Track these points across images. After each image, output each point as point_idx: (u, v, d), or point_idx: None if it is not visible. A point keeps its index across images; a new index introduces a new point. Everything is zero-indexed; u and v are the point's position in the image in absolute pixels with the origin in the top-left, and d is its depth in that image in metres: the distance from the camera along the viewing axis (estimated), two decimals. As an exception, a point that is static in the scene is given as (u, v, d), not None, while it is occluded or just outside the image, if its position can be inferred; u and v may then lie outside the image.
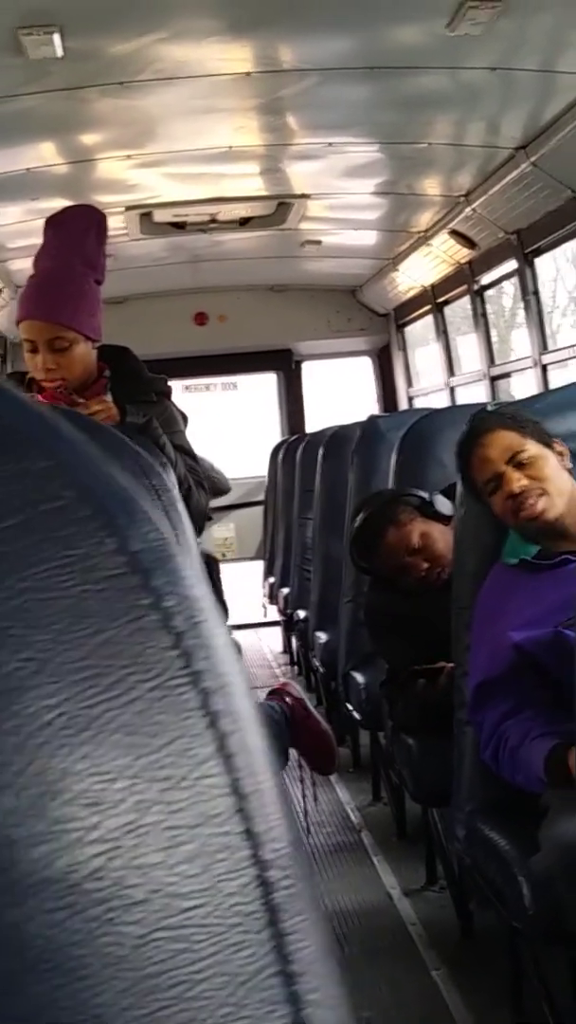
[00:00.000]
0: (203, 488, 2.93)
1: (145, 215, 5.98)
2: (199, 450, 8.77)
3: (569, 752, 2.11)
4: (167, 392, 2.95)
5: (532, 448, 2.45)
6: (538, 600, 2.36)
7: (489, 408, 2.73)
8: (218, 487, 8.11)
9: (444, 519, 3.16)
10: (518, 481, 2.40)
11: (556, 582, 2.33)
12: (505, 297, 8.49)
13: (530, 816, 2.31)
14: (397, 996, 2.85)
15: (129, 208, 5.81)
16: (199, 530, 2.99)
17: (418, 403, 8.22)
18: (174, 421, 2.93)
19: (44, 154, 4.68)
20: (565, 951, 2.29)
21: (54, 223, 2.73)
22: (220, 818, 0.37)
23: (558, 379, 5.52)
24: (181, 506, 2.14)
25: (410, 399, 8.44)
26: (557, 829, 2.12)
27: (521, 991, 2.59)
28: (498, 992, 2.66)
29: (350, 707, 4.23)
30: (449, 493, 3.08)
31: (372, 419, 4.51)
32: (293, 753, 3.48)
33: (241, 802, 0.37)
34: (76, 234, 2.70)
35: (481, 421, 2.56)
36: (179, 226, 6.28)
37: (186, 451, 2.93)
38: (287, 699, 3.48)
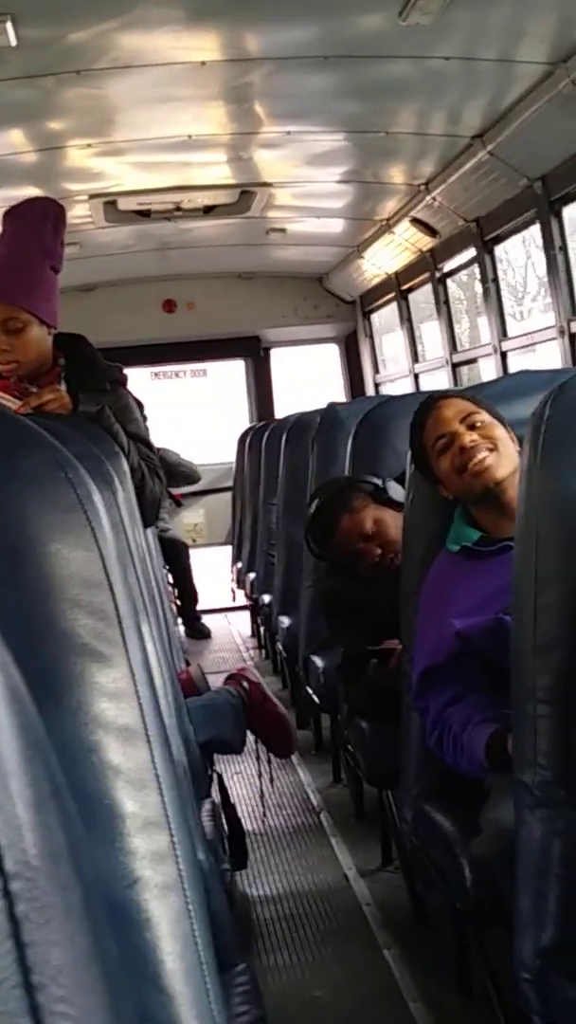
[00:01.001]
0: (157, 476, 2.96)
1: (109, 203, 5.99)
2: (168, 440, 8.75)
3: (508, 736, 2.15)
4: (122, 381, 2.98)
5: (486, 417, 2.52)
6: (480, 587, 2.40)
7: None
8: (189, 477, 8.17)
9: (397, 506, 3.19)
10: (469, 436, 2.46)
11: (497, 569, 2.37)
12: (478, 283, 8.54)
13: (474, 799, 2.35)
14: (349, 975, 2.89)
15: (93, 196, 5.82)
16: (155, 516, 3.02)
17: (385, 390, 8.26)
18: (129, 410, 2.95)
19: (5, 142, 4.68)
20: (507, 931, 2.34)
21: (13, 215, 2.77)
22: None
23: (521, 365, 5.57)
24: (131, 494, 2.18)
25: (377, 385, 8.48)
26: (496, 813, 2.16)
27: (467, 970, 2.65)
28: (446, 970, 2.71)
29: (310, 690, 4.28)
30: (403, 480, 3.11)
31: (331, 406, 4.54)
32: (251, 736, 3.51)
33: None
34: (34, 224, 2.74)
35: (439, 393, 2.68)
36: (144, 214, 6.28)
37: (141, 439, 2.95)
38: (244, 683, 3.51)
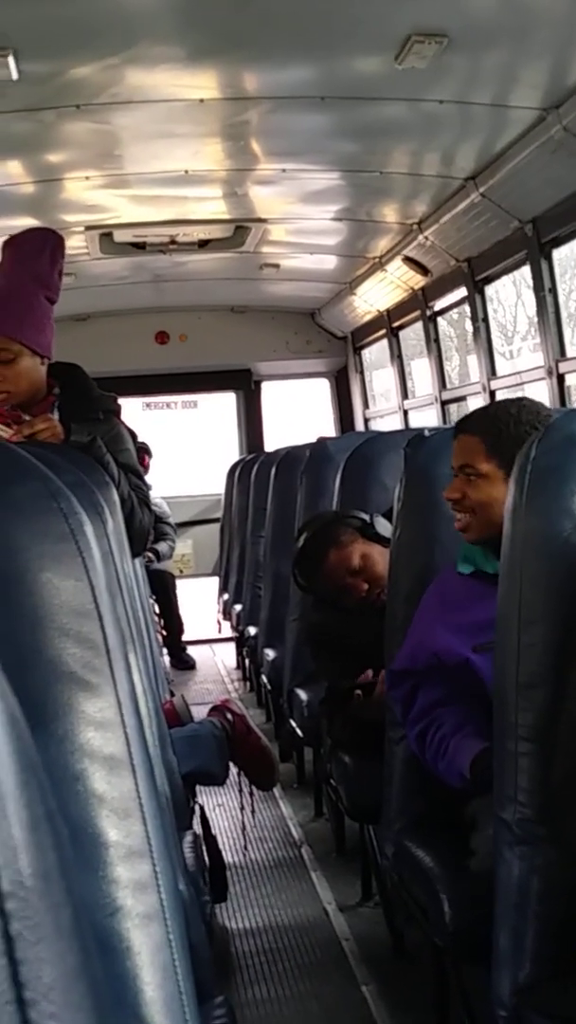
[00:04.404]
0: (147, 507, 2.97)
1: (105, 235, 6.04)
2: (156, 471, 8.68)
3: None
4: (116, 410, 2.99)
5: (485, 466, 2.41)
6: (475, 612, 2.39)
7: (426, 434, 2.80)
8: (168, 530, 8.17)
9: (384, 541, 3.21)
10: (452, 491, 2.44)
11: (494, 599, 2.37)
12: (468, 321, 8.60)
13: (455, 834, 2.36)
14: (327, 1011, 2.89)
15: (89, 228, 5.87)
16: (143, 546, 3.03)
17: (374, 425, 8.31)
18: (121, 439, 2.96)
19: (4, 173, 4.72)
20: (486, 968, 2.34)
21: (11, 244, 2.78)
22: None
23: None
24: (120, 524, 2.19)
25: (366, 421, 8.54)
26: (490, 831, 2.16)
27: (447, 1007, 2.64)
28: (425, 1007, 2.71)
29: (293, 724, 4.28)
30: (390, 515, 3.13)
31: (321, 441, 4.58)
32: (233, 769, 3.52)
33: None
34: (31, 254, 2.75)
35: (465, 419, 2.55)
36: (139, 246, 6.34)
37: (132, 469, 2.96)
38: (228, 715, 3.52)
